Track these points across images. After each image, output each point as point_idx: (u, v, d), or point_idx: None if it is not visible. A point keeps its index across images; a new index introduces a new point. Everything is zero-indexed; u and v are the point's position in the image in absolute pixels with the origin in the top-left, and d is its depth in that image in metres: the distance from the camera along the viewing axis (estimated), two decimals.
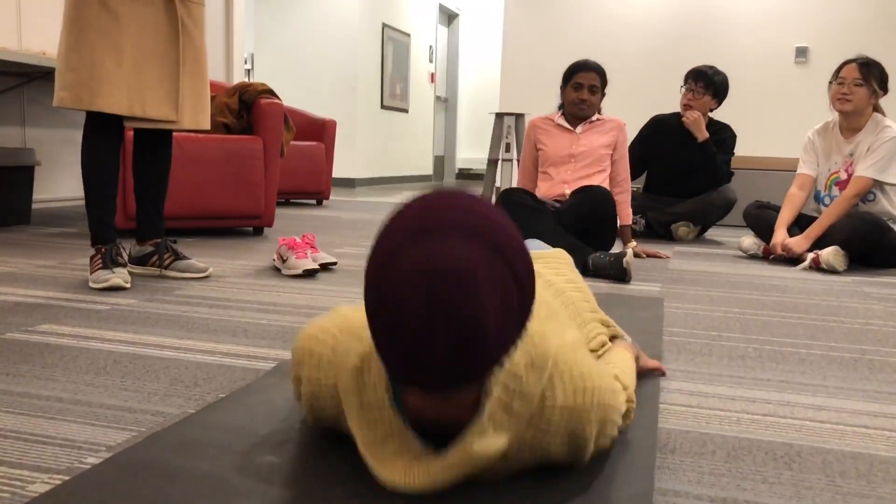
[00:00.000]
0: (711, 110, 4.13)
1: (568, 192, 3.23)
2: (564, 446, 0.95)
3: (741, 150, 6.47)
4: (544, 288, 1.34)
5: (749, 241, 3.59)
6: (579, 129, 3.31)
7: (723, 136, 4.13)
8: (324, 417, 1.03)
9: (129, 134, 3.24)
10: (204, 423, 1.17)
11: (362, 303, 1.13)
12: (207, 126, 2.41)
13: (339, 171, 8.22)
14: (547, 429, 0.93)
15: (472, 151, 11.46)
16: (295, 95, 8.18)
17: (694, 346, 1.81)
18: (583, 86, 3.25)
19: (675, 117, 4.23)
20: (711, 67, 4.08)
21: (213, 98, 3.84)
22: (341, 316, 1.04)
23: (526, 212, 3.04)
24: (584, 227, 3.04)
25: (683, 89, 4.11)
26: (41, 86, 4.42)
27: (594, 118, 3.32)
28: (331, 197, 6.80)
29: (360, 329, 0.98)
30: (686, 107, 4.09)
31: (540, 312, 1.11)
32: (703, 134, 4.02)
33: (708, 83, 4.05)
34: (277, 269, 2.69)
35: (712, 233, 4.67)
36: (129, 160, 3.25)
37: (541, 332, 0.98)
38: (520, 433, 0.92)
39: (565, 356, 0.95)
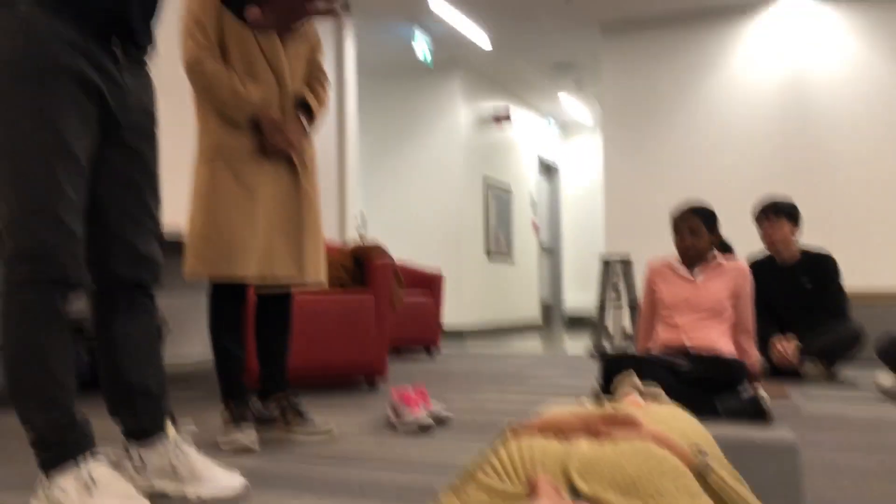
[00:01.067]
0: (794, 235, 4.10)
1: (687, 342, 3.11)
2: None
3: (863, 281, 6.17)
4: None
5: (888, 379, 3.34)
6: (698, 275, 3.21)
7: (825, 268, 4.06)
8: None
9: (251, 294, 3.41)
10: None
11: (473, 481, 1.08)
12: (325, 281, 2.52)
13: (447, 322, 8.32)
14: None
15: (580, 298, 11.41)
16: (403, 249, 8.48)
17: (841, 502, 1.66)
18: (683, 231, 3.21)
19: (770, 258, 4.20)
20: (772, 198, 4.19)
21: (328, 257, 4.03)
22: None
23: (638, 368, 2.91)
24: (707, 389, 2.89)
25: (759, 229, 4.20)
26: (166, 252, 4.76)
27: (711, 261, 3.23)
28: (441, 348, 6.85)
29: None
30: (770, 241, 4.12)
31: None
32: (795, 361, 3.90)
33: (776, 210, 4.11)
34: (392, 424, 2.69)
35: (844, 370, 4.38)
36: (252, 320, 3.41)
37: None
38: None
39: None
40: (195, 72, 2.30)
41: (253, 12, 1.41)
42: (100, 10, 1.56)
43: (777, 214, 4.10)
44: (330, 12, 1.43)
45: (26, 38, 1.48)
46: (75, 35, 1.52)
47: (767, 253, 4.26)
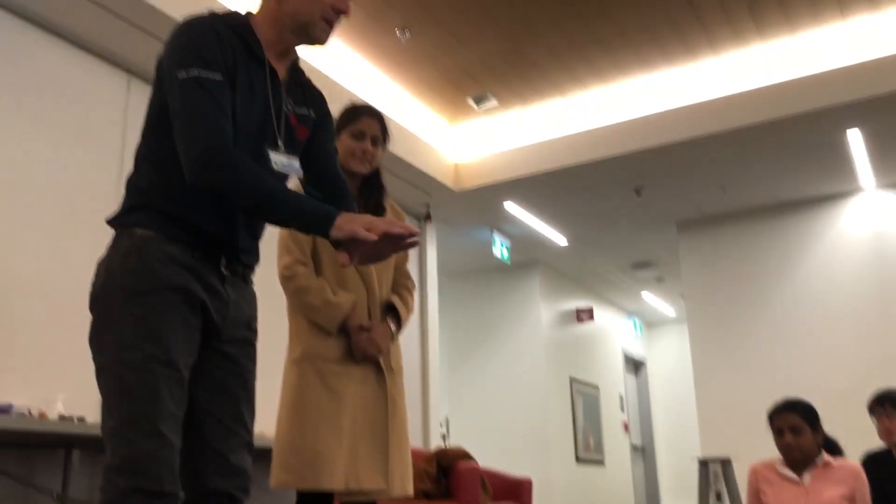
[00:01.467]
0: None
1: None
2: None
3: None
4: None
5: None
6: (807, 478, 2.98)
7: None
8: None
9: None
10: None
11: None
12: (412, 491, 2.45)
13: None
14: None
15: (678, 503, 10.67)
16: (488, 453, 8.21)
17: None
18: (783, 430, 3.02)
19: (888, 453, 3.87)
20: (888, 389, 3.86)
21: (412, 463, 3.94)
22: None
23: None
24: None
25: (875, 422, 3.84)
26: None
27: (820, 462, 3.01)
28: None
29: None
30: (888, 436, 3.79)
31: None
32: None
33: (893, 401, 3.79)
34: None
35: None
36: None
37: None
38: None
39: None
40: (289, 282, 2.42)
41: (342, 258, 1.52)
42: (210, 238, 1.68)
43: (895, 406, 3.83)
44: (411, 245, 1.53)
45: (139, 258, 1.60)
46: (185, 256, 1.64)
47: (884, 446, 3.95)
